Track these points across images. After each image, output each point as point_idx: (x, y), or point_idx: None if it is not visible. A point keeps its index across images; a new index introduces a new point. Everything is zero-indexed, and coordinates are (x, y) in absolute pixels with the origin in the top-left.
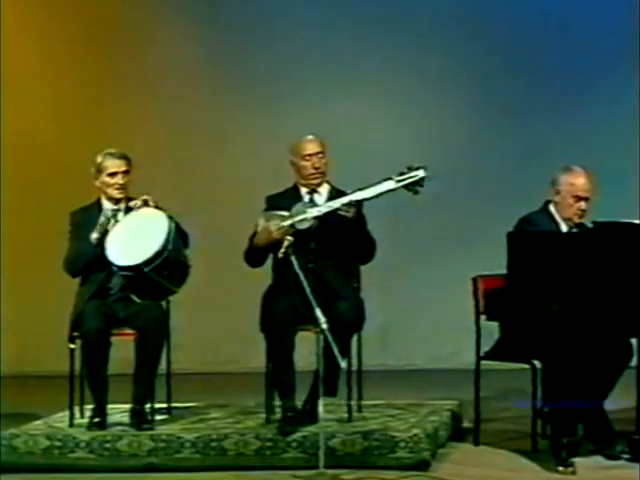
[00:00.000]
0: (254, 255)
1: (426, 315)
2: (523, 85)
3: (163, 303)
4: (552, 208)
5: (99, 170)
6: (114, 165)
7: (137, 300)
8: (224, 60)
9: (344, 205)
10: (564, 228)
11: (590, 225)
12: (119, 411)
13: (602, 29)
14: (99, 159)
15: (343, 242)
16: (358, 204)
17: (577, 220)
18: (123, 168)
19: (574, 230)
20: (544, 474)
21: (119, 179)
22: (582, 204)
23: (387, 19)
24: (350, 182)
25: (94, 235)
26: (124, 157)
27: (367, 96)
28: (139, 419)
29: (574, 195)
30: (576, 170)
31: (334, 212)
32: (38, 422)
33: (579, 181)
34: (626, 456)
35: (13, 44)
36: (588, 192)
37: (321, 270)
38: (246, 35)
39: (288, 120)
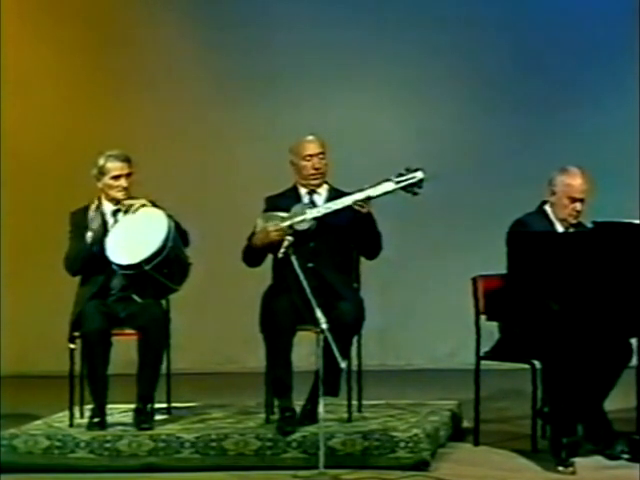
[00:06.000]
0: (252, 255)
1: (426, 315)
2: (524, 85)
3: (163, 303)
4: (548, 208)
5: (102, 172)
6: (117, 168)
7: (138, 299)
8: (223, 60)
9: (358, 201)
10: (560, 229)
11: (589, 225)
12: (119, 411)
13: (603, 28)
14: (101, 161)
15: (343, 241)
16: (369, 200)
17: (572, 221)
18: (126, 171)
19: (571, 230)
20: (544, 474)
21: (122, 182)
22: (577, 205)
23: (388, 17)
24: (350, 182)
25: (88, 234)
26: (126, 159)
27: (368, 95)
28: (141, 418)
29: (570, 196)
30: (572, 171)
31: (333, 212)
32: (38, 422)
33: (575, 182)
34: (626, 456)
35: (13, 45)
36: (584, 193)
37: (321, 270)
38: (246, 34)
39: (288, 120)
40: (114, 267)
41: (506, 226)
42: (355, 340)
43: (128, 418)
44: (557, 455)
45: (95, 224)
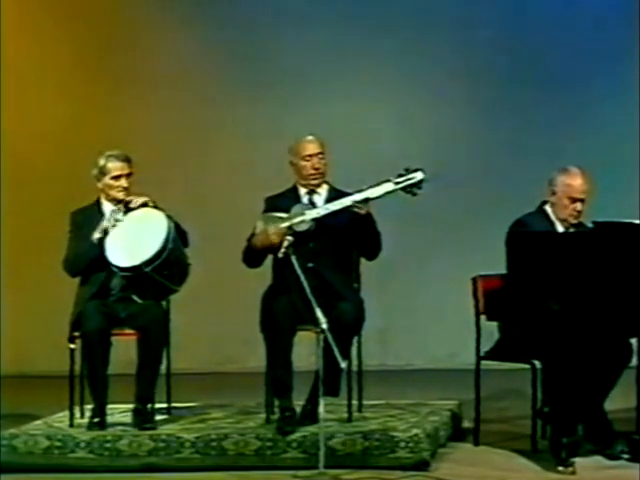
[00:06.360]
0: (252, 256)
1: (426, 315)
2: (524, 85)
3: (163, 303)
4: (548, 208)
5: (102, 172)
6: (117, 168)
7: (138, 300)
8: (225, 59)
9: (357, 202)
10: (560, 229)
11: (590, 225)
12: (119, 411)
13: (603, 29)
14: (101, 162)
15: (343, 241)
16: (368, 201)
17: (572, 221)
18: (126, 171)
19: (572, 230)
20: (544, 474)
21: (123, 182)
22: (578, 205)
23: (388, 18)
24: (349, 182)
25: (96, 235)
26: (126, 159)
27: (367, 95)
28: (142, 418)
29: (570, 196)
30: (573, 171)
31: (333, 213)
32: (38, 422)
33: (576, 182)
34: (626, 456)
35: (13, 43)
36: (584, 193)
37: (321, 270)
38: (246, 35)
39: (289, 119)
40: (113, 269)
41: (506, 226)
42: (355, 340)
43: (128, 418)
44: (557, 455)
45: (105, 224)
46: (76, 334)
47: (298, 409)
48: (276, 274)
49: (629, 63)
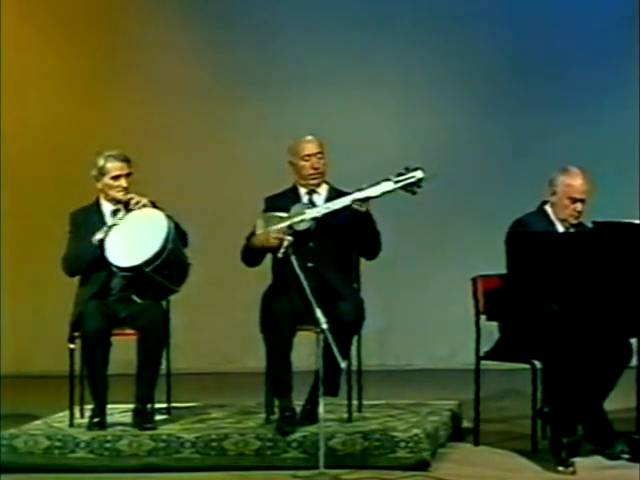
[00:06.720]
0: (251, 255)
1: (426, 315)
2: (524, 85)
3: (163, 303)
4: (548, 209)
5: (101, 173)
6: (116, 168)
7: (138, 300)
8: (223, 60)
9: (357, 200)
10: (560, 229)
11: (590, 225)
12: (119, 411)
13: (603, 29)
14: (101, 162)
15: (343, 241)
16: (367, 200)
17: (573, 221)
18: (126, 171)
19: (572, 230)
20: (544, 474)
21: (122, 182)
22: (578, 205)
23: (388, 17)
24: (349, 181)
25: (97, 237)
26: (126, 159)
27: (367, 95)
28: (142, 418)
29: (570, 196)
30: (573, 171)
31: (333, 212)
32: (38, 422)
33: (576, 182)
34: (626, 456)
35: (13, 45)
36: (584, 194)
37: (321, 270)
38: (245, 34)
39: (289, 119)
40: (113, 269)
41: (506, 226)
42: (355, 340)
43: (128, 418)
44: (557, 455)
45: (105, 228)
46: (76, 334)
47: (298, 409)
48: (276, 274)
49: (629, 63)
